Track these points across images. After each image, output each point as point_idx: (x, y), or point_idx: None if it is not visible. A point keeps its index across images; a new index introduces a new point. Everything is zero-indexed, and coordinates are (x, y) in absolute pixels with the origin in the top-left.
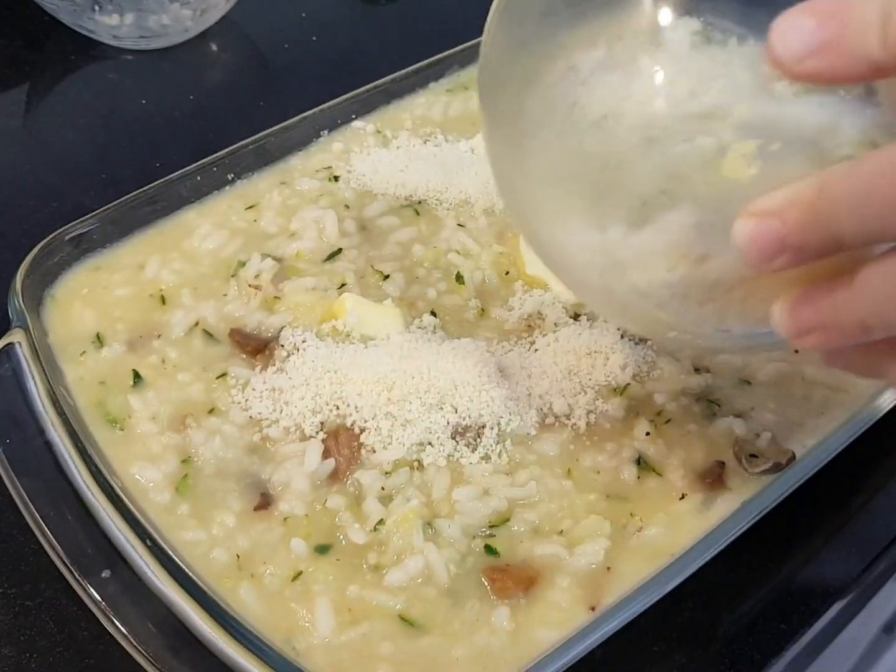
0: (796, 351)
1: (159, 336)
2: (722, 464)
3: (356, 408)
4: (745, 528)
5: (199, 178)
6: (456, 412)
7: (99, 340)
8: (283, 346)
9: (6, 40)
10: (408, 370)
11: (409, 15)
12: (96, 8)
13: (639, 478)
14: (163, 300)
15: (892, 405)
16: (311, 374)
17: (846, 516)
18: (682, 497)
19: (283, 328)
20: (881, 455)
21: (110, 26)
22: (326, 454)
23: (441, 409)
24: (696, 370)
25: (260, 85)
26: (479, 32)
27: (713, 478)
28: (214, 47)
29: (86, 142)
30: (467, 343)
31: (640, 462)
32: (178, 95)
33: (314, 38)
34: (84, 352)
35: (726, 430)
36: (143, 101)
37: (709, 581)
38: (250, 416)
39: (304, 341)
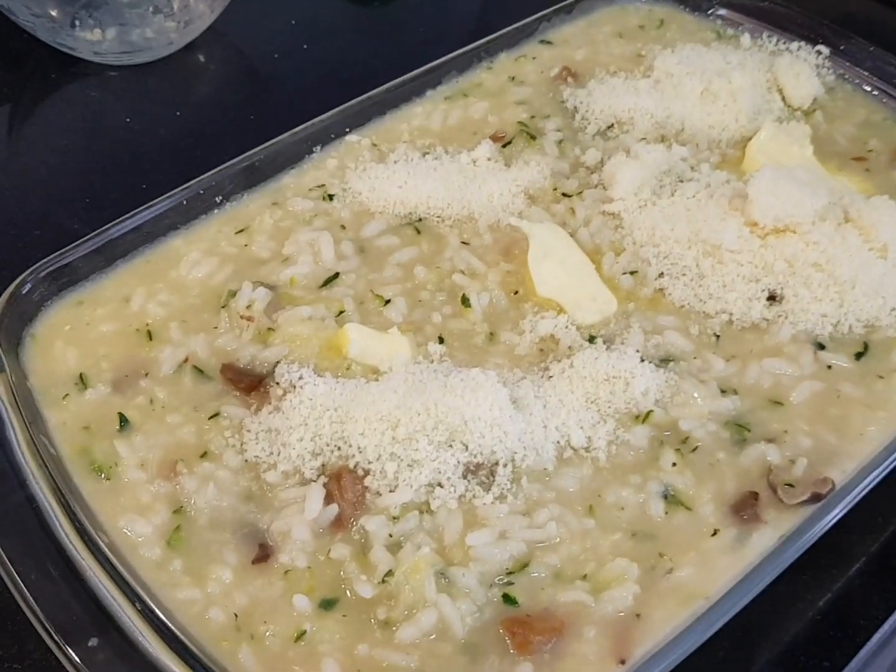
0: (829, 367)
1: (147, 374)
2: (756, 495)
3: (359, 448)
4: (785, 566)
5: (185, 202)
6: (467, 449)
7: (83, 382)
8: (278, 383)
9: None
10: (413, 406)
11: (403, 19)
12: (76, 24)
13: (666, 513)
14: (149, 335)
15: None
16: (310, 413)
17: (886, 541)
18: (715, 533)
19: (277, 363)
20: None
21: (91, 42)
22: (329, 499)
23: (451, 446)
24: (723, 392)
25: (249, 97)
26: (476, 36)
27: (747, 511)
28: (201, 59)
29: (68, 165)
30: (477, 374)
31: (668, 495)
32: (163, 112)
33: (305, 47)
34: (67, 394)
35: (759, 458)
36: (128, 120)
37: (743, 617)
38: (246, 460)
39: (300, 378)
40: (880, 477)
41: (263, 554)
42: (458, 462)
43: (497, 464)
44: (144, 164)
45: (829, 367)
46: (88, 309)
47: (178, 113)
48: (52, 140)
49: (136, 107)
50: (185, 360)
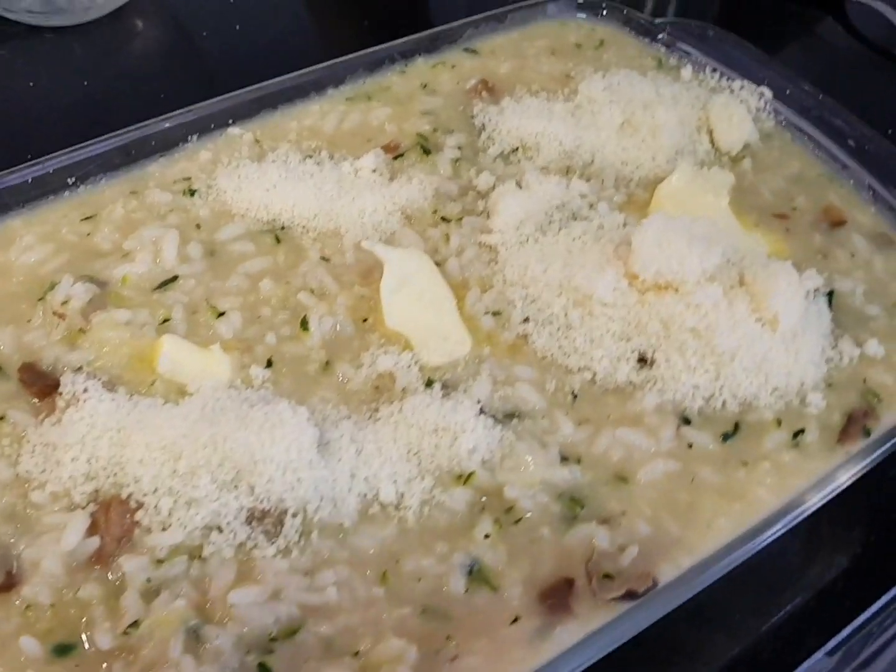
0: (690, 445)
1: None
2: (571, 582)
3: (135, 478)
4: (583, 668)
5: (30, 179)
6: (253, 493)
7: None
8: (61, 394)
9: None
10: (201, 437)
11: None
12: None
13: (467, 590)
14: None
15: (788, 525)
16: (89, 431)
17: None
18: (515, 620)
19: (79, 368)
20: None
21: None
22: (93, 530)
23: (236, 487)
24: (564, 459)
25: (165, 73)
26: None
27: (556, 599)
28: (124, 31)
29: None
30: (284, 408)
31: (473, 571)
32: (71, 79)
33: (237, 27)
34: None
35: (586, 540)
36: (31, 84)
37: None
38: (17, 474)
39: (85, 390)
40: (715, 577)
41: (8, 583)
42: (242, 506)
43: (286, 512)
44: (37, 132)
45: (690, 445)
46: None
47: (85, 82)
48: None
49: (45, 72)
50: None
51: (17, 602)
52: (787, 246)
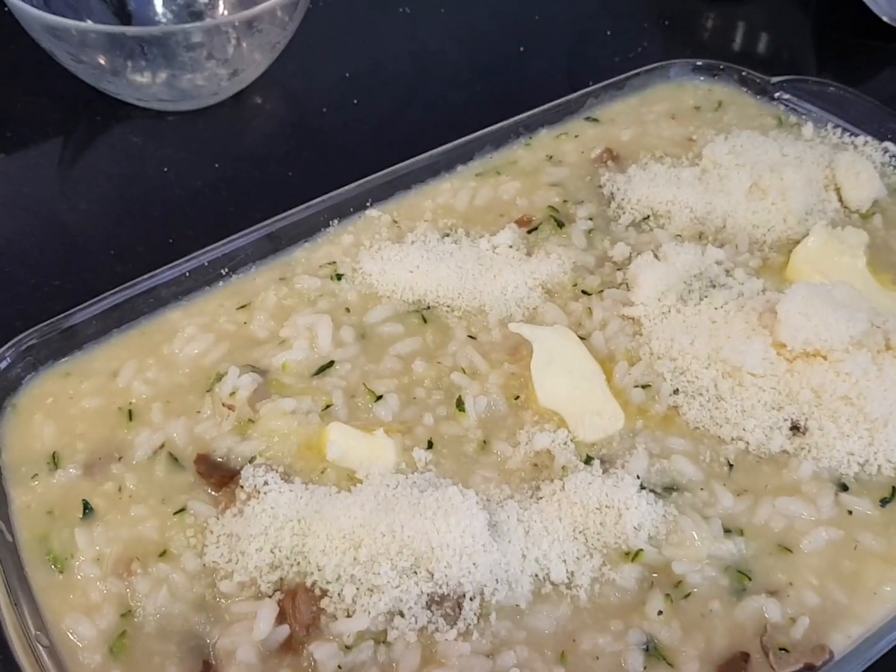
0: (850, 512)
1: (120, 458)
2: (746, 656)
3: (318, 567)
4: None
5: (187, 273)
6: (432, 578)
7: (54, 462)
8: (242, 486)
9: (31, 97)
10: (379, 527)
11: (467, 79)
12: (128, 64)
13: (645, 668)
14: (130, 415)
15: None
16: (271, 522)
17: None
18: None
19: (252, 459)
20: None
21: (139, 85)
22: (281, 618)
23: (415, 573)
24: (727, 532)
25: (291, 153)
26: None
27: None
28: (248, 110)
29: (98, 213)
30: (454, 493)
31: (650, 648)
32: (202, 163)
33: (355, 101)
34: (36, 474)
35: (756, 612)
36: (165, 169)
37: None
38: (204, 564)
39: (265, 483)
40: (890, 646)
41: None
42: (422, 591)
43: (464, 596)
44: (175, 217)
45: (850, 512)
46: (75, 381)
47: (216, 165)
48: (86, 185)
49: (176, 156)
50: (162, 446)
51: None
52: None
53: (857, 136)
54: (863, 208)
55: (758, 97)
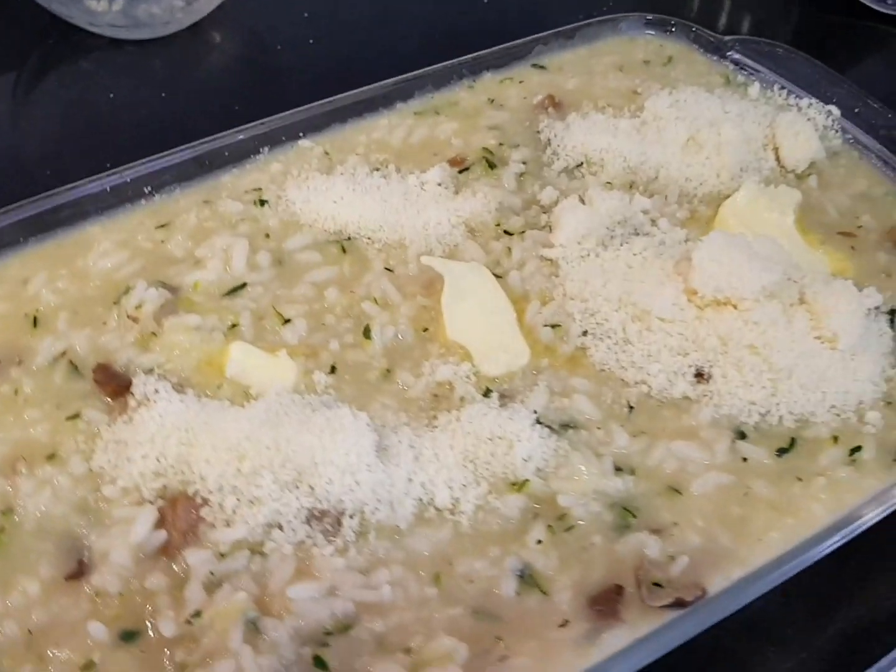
0: (745, 459)
1: (20, 363)
2: (620, 589)
3: (201, 476)
4: None
5: (108, 188)
6: (313, 493)
7: None
8: (133, 393)
9: None
10: (264, 439)
11: (439, 24)
12: None
13: (518, 594)
14: (35, 322)
15: (842, 541)
16: (159, 430)
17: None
18: (564, 624)
19: (151, 370)
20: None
21: (94, 12)
22: (160, 524)
23: (297, 487)
24: (619, 470)
25: (239, 88)
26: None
27: (606, 605)
28: (200, 44)
29: (40, 134)
30: (345, 414)
31: (524, 575)
32: (149, 92)
33: (311, 42)
34: None
35: (637, 548)
36: (111, 95)
37: None
38: (91, 469)
39: (156, 391)
40: (765, 589)
41: (79, 571)
42: (302, 506)
43: (344, 513)
44: (116, 143)
45: (745, 459)
46: None
47: (163, 94)
48: (32, 107)
49: (124, 84)
50: (63, 354)
51: (87, 589)
52: (852, 264)
53: (802, 98)
54: (799, 168)
55: (709, 55)
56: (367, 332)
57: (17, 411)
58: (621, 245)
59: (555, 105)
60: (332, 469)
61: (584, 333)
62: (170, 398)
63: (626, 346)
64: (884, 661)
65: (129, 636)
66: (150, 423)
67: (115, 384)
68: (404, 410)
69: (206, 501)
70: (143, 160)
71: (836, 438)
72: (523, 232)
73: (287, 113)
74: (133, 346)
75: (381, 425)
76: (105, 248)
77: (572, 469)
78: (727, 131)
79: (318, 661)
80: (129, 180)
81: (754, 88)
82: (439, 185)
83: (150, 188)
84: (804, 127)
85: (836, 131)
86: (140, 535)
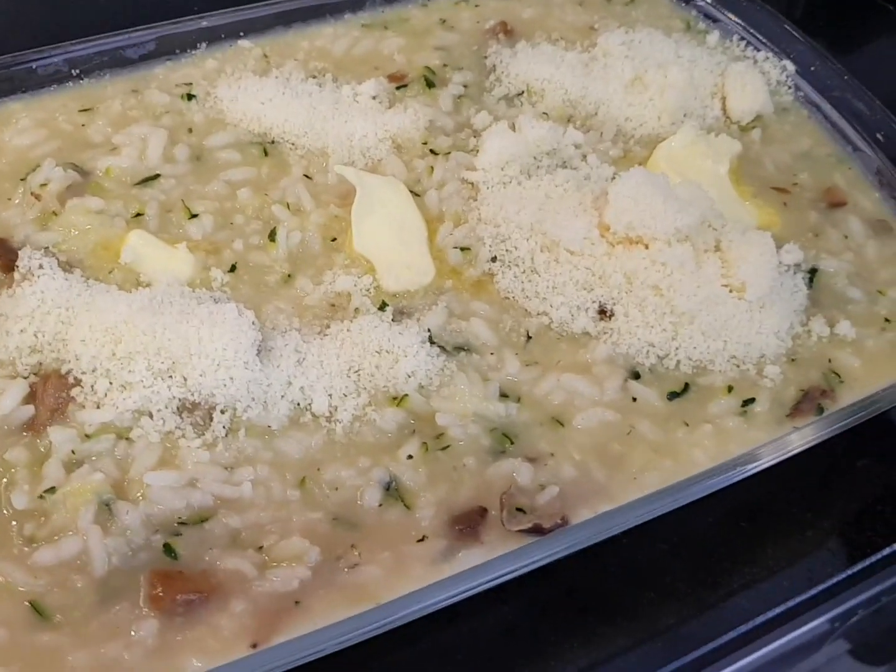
0: (634, 399)
1: None
2: (484, 511)
3: (76, 356)
4: (473, 593)
5: (34, 66)
6: (185, 384)
7: None
8: (17, 267)
9: None
10: (141, 325)
11: None
12: None
13: (380, 505)
14: None
15: (714, 488)
16: (39, 306)
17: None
18: (423, 539)
19: (46, 248)
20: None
21: None
22: (30, 399)
23: (171, 377)
24: (504, 396)
25: None
26: None
27: (467, 525)
28: None
29: None
30: (230, 309)
31: (390, 487)
32: None
33: None
34: None
35: (507, 474)
36: None
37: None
38: None
39: (41, 267)
40: (627, 526)
41: None
42: (174, 396)
43: (215, 408)
44: (61, 19)
45: (634, 399)
46: None
47: None
48: None
49: None
50: None
51: None
52: (781, 220)
53: (759, 51)
54: (744, 120)
55: (675, 0)
56: (272, 235)
57: None
58: (545, 175)
59: (506, 32)
60: (206, 362)
61: (493, 259)
62: (54, 275)
63: (533, 276)
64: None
65: None
66: (31, 298)
67: (7, 258)
68: (298, 316)
69: (78, 382)
70: (74, 41)
71: (730, 388)
72: (449, 153)
73: (229, 10)
74: (32, 224)
75: (270, 328)
76: (24, 125)
77: (455, 390)
78: (674, 74)
79: (168, 549)
80: (58, 61)
81: (713, 37)
82: (373, 98)
83: (78, 71)
84: (754, 78)
85: (789, 87)
86: (7, 407)
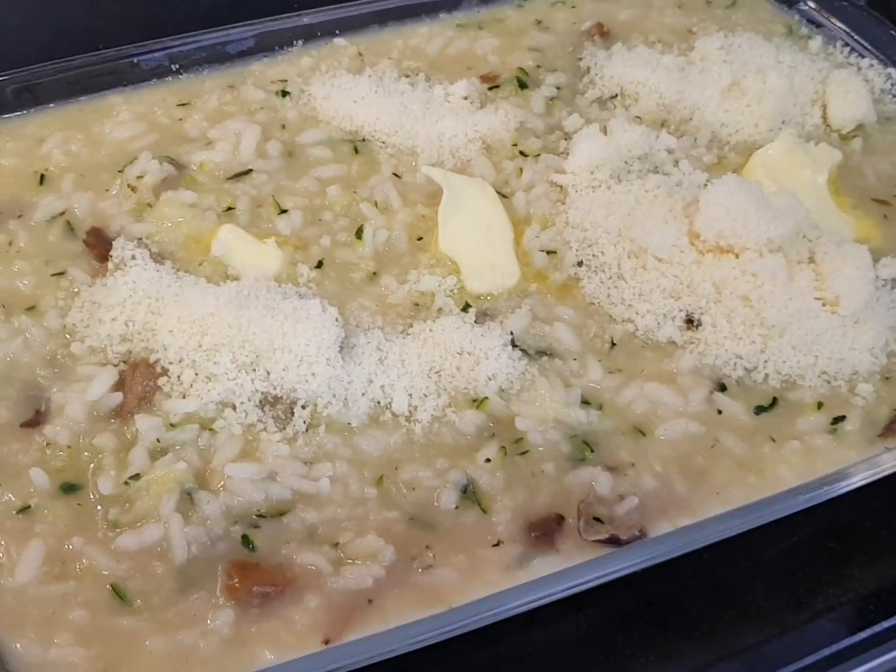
0: (719, 412)
1: (20, 217)
2: (561, 519)
3: (164, 346)
4: (548, 601)
5: (136, 60)
6: (268, 378)
7: None
8: (111, 256)
9: None
10: (227, 318)
11: None
12: None
13: (457, 507)
14: (42, 180)
15: (801, 507)
16: (130, 295)
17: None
18: (498, 544)
19: (139, 239)
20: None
21: None
22: (119, 386)
23: (254, 370)
24: (585, 403)
25: None
26: None
27: (542, 532)
28: None
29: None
30: (314, 305)
31: (467, 490)
32: None
33: None
34: None
35: (586, 482)
36: None
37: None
38: (64, 325)
39: (133, 257)
40: (708, 542)
41: (35, 420)
42: (257, 389)
43: (296, 402)
44: (163, 15)
45: (720, 412)
46: (2, 140)
47: None
48: None
49: None
50: (62, 214)
51: (39, 438)
52: (880, 233)
53: (864, 58)
54: (844, 129)
55: (776, 3)
56: (359, 233)
57: (7, 261)
58: (636, 180)
59: (602, 34)
60: (289, 356)
61: (579, 264)
62: (145, 265)
63: (619, 282)
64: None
65: (69, 488)
66: (122, 288)
67: (103, 248)
68: (381, 314)
69: (165, 371)
70: (175, 37)
71: (820, 405)
72: (538, 155)
73: (327, 8)
74: (128, 215)
75: (354, 325)
76: (123, 117)
77: (536, 394)
78: (773, 80)
79: (246, 541)
80: (159, 56)
81: (816, 42)
82: (465, 98)
83: (177, 66)
84: (857, 86)
85: (894, 96)
86: (97, 394)
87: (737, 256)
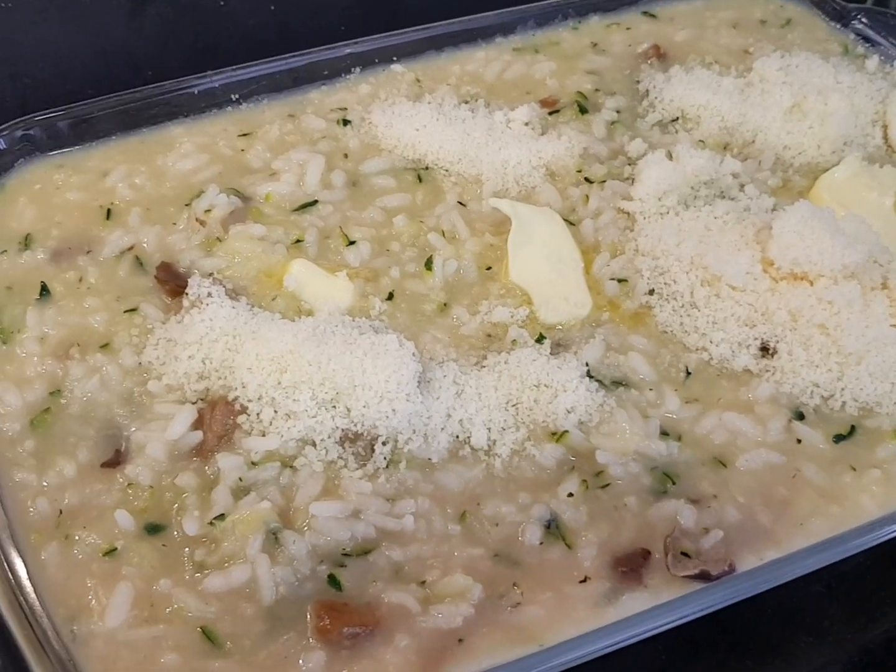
0: (799, 441)
1: (89, 252)
2: (647, 553)
3: (243, 383)
4: (642, 637)
5: (195, 90)
6: (349, 415)
7: (26, 242)
8: (187, 294)
9: None
10: (306, 355)
11: None
12: None
13: (541, 543)
14: (108, 214)
15: (885, 537)
16: (207, 333)
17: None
18: (585, 580)
19: (210, 275)
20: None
21: None
22: (198, 425)
23: (334, 407)
24: (664, 434)
25: (349, 9)
26: None
27: (630, 567)
28: None
29: (148, 32)
30: (391, 340)
31: (551, 525)
32: (259, 3)
33: None
34: (6, 251)
35: (670, 515)
36: (222, 3)
37: None
38: (140, 363)
39: (209, 295)
40: (797, 574)
41: (115, 460)
42: (337, 426)
43: (377, 439)
44: (219, 47)
45: (799, 441)
46: (66, 173)
47: (272, 7)
48: (145, 5)
49: None
50: (130, 249)
51: (120, 479)
52: None
53: None
54: None
55: (831, 22)
56: (428, 264)
57: (78, 298)
58: (704, 206)
59: (659, 56)
60: (369, 393)
61: (651, 292)
62: (221, 302)
63: (692, 311)
64: None
65: (153, 529)
66: (199, 325)
67: (174, 283)
68: (454, 346)
69: (244, 409)
70: (234, 67)
71: None
72: (604, 181)
73: (382, 35)
74: (197, 249)
75: (428, 358)
76: (186, 149)
77: (616, 426)
78: (835, 101)
79: (333, 580)
80: (217, 86)
81: (872, 61)
82: (526, 124)
83: (237, 96)
84: None
85: None
86: (177, 433)
87: (811, 283)
